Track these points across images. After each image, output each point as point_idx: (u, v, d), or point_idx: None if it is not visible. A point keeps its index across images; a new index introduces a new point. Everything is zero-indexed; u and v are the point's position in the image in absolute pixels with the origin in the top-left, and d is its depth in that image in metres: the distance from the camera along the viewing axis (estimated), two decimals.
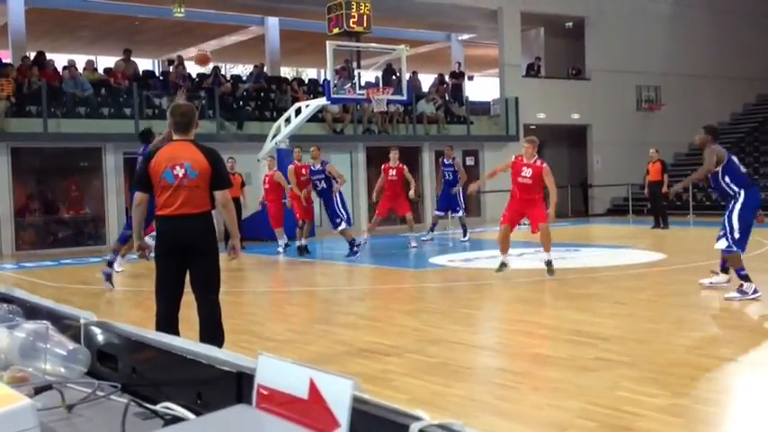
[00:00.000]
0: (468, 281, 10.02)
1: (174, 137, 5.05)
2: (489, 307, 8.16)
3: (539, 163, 9.48)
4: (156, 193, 4.95)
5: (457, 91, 23.58)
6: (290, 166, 13.17)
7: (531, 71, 23.66)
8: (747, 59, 26.55)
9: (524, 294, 8.67)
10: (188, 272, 5.02)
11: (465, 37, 27.04)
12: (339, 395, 1.13)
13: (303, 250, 12.97)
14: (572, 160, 24.79)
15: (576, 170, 24.46)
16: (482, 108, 24.45)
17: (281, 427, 1.20)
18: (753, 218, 7.55)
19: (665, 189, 17.51)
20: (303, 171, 12.97)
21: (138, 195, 5.07)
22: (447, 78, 23.90)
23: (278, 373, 1.25)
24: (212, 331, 4.94)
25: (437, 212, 15.90)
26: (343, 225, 12.18)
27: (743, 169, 7.69)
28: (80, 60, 18.70)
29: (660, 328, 6.42)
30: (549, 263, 9.42)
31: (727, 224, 7.41)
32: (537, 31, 25.27)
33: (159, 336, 1.67)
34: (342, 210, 12.33)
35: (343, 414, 1.12)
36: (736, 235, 7.31)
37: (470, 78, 29.06)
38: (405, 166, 13.84)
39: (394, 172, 13.74)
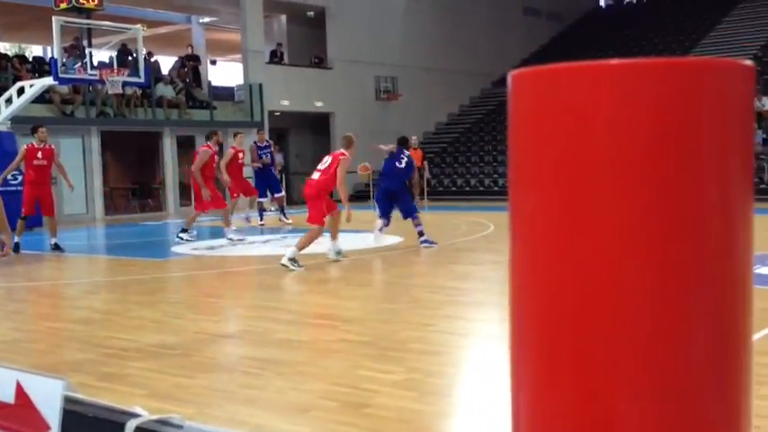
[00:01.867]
0: (212, 269, 9.82)
1: None
2: (233, 295, 8.06)
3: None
4: None
5: (195, 75, 23.00)
6: (25, 147, 11.76)
7: (275, 58, 23.73)
8: (472, 56, 28.74)
9: (269, 281, 8.67)
10: None
11: (206, 20, 26.41)
12: (49, 397, 1.07)
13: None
14: (316, 147, 25.25)
15: (320, 157, 24.93)
16: (226, 93, 24.09)
17: None
18: None
19: (427, 175, 18.63)
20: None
21: None
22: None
23: None
24: None
25: (261, 199, 15.17)
26: None
27: None
28: None
29: (397, 307, 6.73)
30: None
31: None
32: (279, 18, 25.39)
33: None
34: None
35: (53, 416, 1.07)
36: None
37: (213, 63, 28.49)
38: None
39: (242, 154, 13.79)
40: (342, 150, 9.78)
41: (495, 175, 24.30)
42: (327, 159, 9.74)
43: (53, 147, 12.03)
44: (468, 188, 23.93)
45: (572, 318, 1.28)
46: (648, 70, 1.24)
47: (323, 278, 8.49)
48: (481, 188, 23.80)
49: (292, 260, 8.77)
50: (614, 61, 1.24)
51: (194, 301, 7.34)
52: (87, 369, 4.79)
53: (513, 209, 1.37)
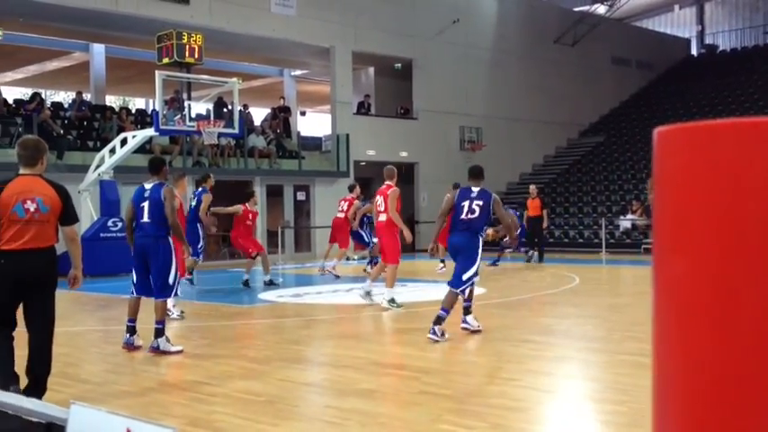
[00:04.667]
0: (297, 317, 10.00)
1: (21, 170, 5.11)
2: (318, 343, 8.18)
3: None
4: (3, 227, 4.94)
5: (286, 125, 23.73)
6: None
7: (362, 109, 24.23)
8: (558, 106, 28.65)
9: (352, 330, 8.76)
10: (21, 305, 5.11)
11: (298, 73, 27.32)
12: None
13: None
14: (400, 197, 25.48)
15: (404, 206, 25.06)
16: (314, 143, 24.69)
17: None
18: None
19: (545, 224, 18.68)
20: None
21: None
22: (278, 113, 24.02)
23: (92, 423, 1.18)
24: (41, 357, 5.08)
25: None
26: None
27: None
28: None
29: (480, 360, 6.70)
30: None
31: None
32: (367, 70, 25.97)
33: None
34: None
35: None
36: None
37: (303, 114, 29.31)
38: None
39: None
40: (388, 183, 10.56)
41: (581, 227, 23.93)
42: (380, 199, 10.44)
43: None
44: (552, 239, 23.61)
45: (723, 390, 1.18)
46: None
47: (405, 328, 8.52)
48: (566, 240, 23.46)
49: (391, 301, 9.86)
50: None
51: (279, 349, 7.48)
52: (176, 413, 4.96)
53: (659, 272, 1.28)
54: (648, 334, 5.26)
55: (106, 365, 6.95)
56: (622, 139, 28.83)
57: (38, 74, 25.43)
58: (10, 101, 19.64)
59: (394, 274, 10.03)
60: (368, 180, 24.87)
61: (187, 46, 15.90)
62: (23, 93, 26.26)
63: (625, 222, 22.57)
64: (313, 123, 30.80)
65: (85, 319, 10.49)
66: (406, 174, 25.10)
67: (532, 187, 18.88)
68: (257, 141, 21.30)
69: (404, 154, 24.31)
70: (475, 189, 8.04)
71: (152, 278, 7.19)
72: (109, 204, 15.94)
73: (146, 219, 7.18)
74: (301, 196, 22.13)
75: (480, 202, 7.85)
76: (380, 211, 10.29)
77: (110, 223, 15.71)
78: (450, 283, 7.79)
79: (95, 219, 16.24)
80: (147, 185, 7.37)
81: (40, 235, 4.96)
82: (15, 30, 20.23)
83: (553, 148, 29.46)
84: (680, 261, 1.22)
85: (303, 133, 24.24)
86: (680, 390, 1.25)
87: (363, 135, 23.08)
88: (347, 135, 22.61)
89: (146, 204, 7.21)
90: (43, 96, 22.19)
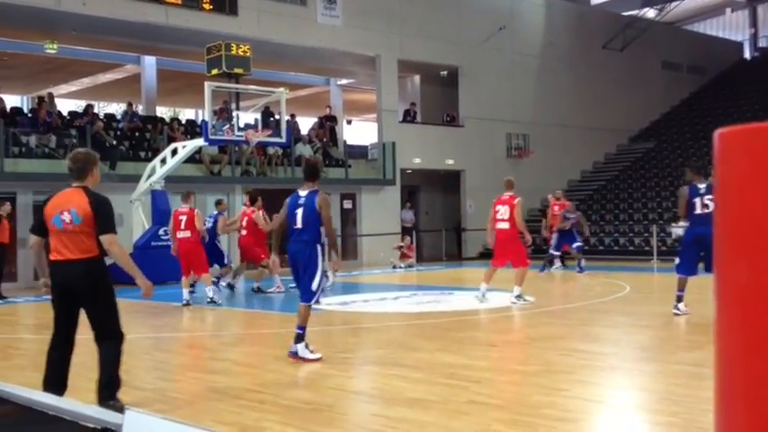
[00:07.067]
0: (345, 324, 10.02)
1: (73, 183, 5.27)
2: (365, 351, 8.18)
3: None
4: (50, 238, 5.18)
5: (332, 134, 23.87)
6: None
7: (408, 117, 24.24)
8: (607, 112, 28.30)
9: (399, 337, 8.74)
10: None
11: (344, 82, 27.46)
12: None
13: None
14: (446, 204, 25.44)
15: (450, 214, 25.10)
16: (360, 152, 24.78)
17: None
18: None
19: (586, 232, 19.15)
20: None
21: (32, 238, 5.31)
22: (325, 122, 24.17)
23: (147, 429, 1.20)
24: (102, 365, 5.13)
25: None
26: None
27: None
28: None
29: (529, 370, 6.62)
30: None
31: None
32: (413, 78, 25.99)
33: (17, 390, 1.60)
34: None
35: None
36: None
37: (349, 122, 29.44)
38: None
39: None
40: (511, 194, 10.98)
41: (631, 234, 23.55)
42: (504, 208, 10.87)
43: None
44: (602, 247, 23.28)
45: None
46: None
47: (453, 337, 8.48)
48: (616, 248, 23.09)
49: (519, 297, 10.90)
50: None
51: (328, 356, 7.50)
52: (227, 420, 5.00)
53: (722, 280, 1.24)
54: (702, 343, 5.18)
55: (158, 372, 7.05)
56: (673, 145, 28.33)
57: (91, 86, 26.07)
58: (64, 113, 20.14)
59: (525, 274, 11.08)
60: (415, 188, 24.89)
61: (236, 57, 16.10)
62: (77, 105, 26.97)
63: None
64: (359, 132, 30.93)
65: (137, 326, 10.65)
66: (452, 181, 25.05)
67: (559, 192, 19.32)
68: (304, 150, 21.47)
69: (450, 162, 24.25)
70: (701, 185, 8.71)
71: (299, 282, 7.19)
72: (160, 214, 16.22)
73: (298, 225, 7.14)
74: (348, 204, 22.22)
75: (711, 197, 8.47)
76: (503, 219, 10.85)
77: (161, 232, 15.97)
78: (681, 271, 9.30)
79: (147, 228, 16.53)
80: (302, 192, 7.31)
81: (78, 245, 5.09)
82: (69, 43, 20.78)
83: (602, 154, 29.08)
84: (745, 268, 1.17)
85: (349, 142, 24.35)
86: (744, 403, 1.21)
87: (409, 143, 23.09)
88: (393, 143, 22.65)
89: (299, 211, 7.17)
90: (96, 108, 22.69)
